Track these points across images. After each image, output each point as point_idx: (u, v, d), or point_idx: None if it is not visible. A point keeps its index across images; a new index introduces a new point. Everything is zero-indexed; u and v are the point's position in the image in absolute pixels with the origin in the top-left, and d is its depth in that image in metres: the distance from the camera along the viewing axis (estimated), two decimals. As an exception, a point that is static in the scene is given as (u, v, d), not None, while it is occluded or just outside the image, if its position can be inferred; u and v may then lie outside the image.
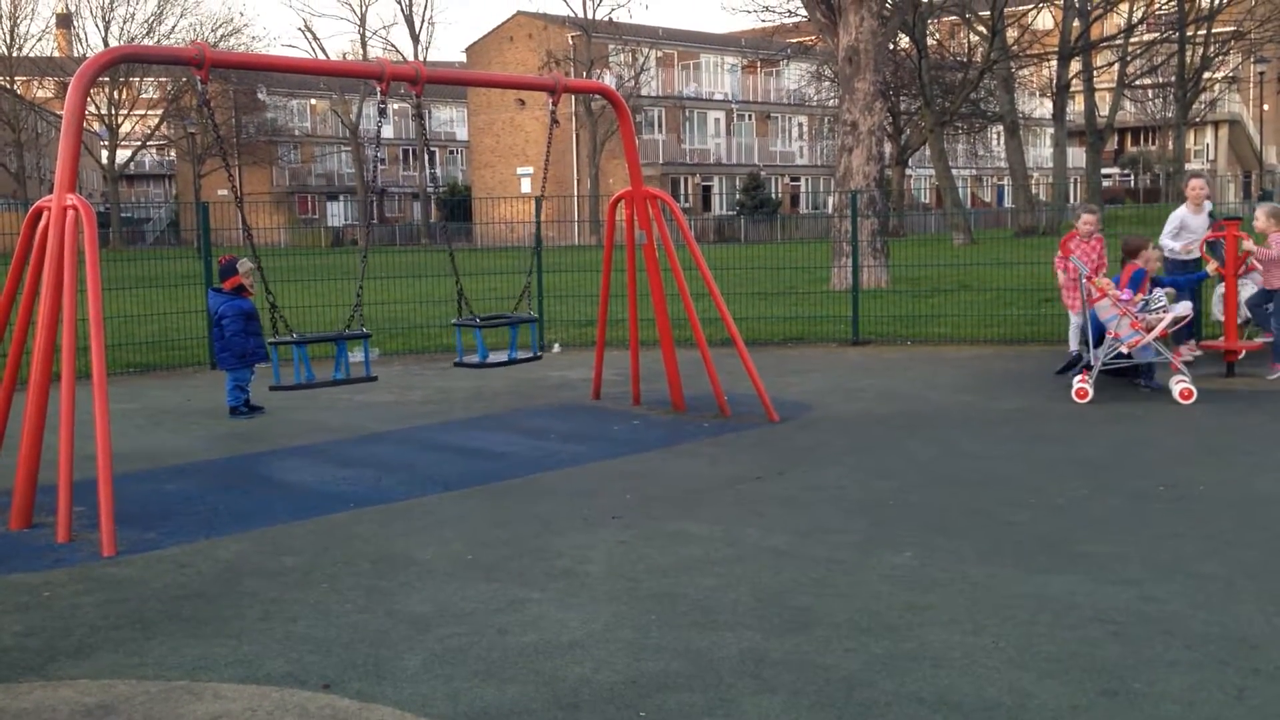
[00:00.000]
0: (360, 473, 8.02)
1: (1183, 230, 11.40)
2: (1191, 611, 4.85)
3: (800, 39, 51.39)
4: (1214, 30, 48.93)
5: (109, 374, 6.96)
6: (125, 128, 64.39)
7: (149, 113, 65.05)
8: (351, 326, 8.80)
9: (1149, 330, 9.73)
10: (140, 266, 18.51)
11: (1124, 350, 9.90)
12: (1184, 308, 9.94)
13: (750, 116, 65.83)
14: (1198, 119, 62.48)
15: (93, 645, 4.82)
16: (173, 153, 73.56)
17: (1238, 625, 4.69)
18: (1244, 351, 10.74)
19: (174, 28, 64.70)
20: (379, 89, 8.29)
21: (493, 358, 9.67)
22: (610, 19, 58.18)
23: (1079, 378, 10.00)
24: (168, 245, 56.68)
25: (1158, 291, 10.25)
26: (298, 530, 6.54)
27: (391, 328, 16.09)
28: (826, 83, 50.96)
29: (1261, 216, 10.81)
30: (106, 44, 60.23)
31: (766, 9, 41.91)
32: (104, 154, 62.45)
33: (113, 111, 61.27)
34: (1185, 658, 4.38)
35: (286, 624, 5.01)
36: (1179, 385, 9.69)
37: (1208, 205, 11.63)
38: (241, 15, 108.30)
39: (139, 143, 66.96)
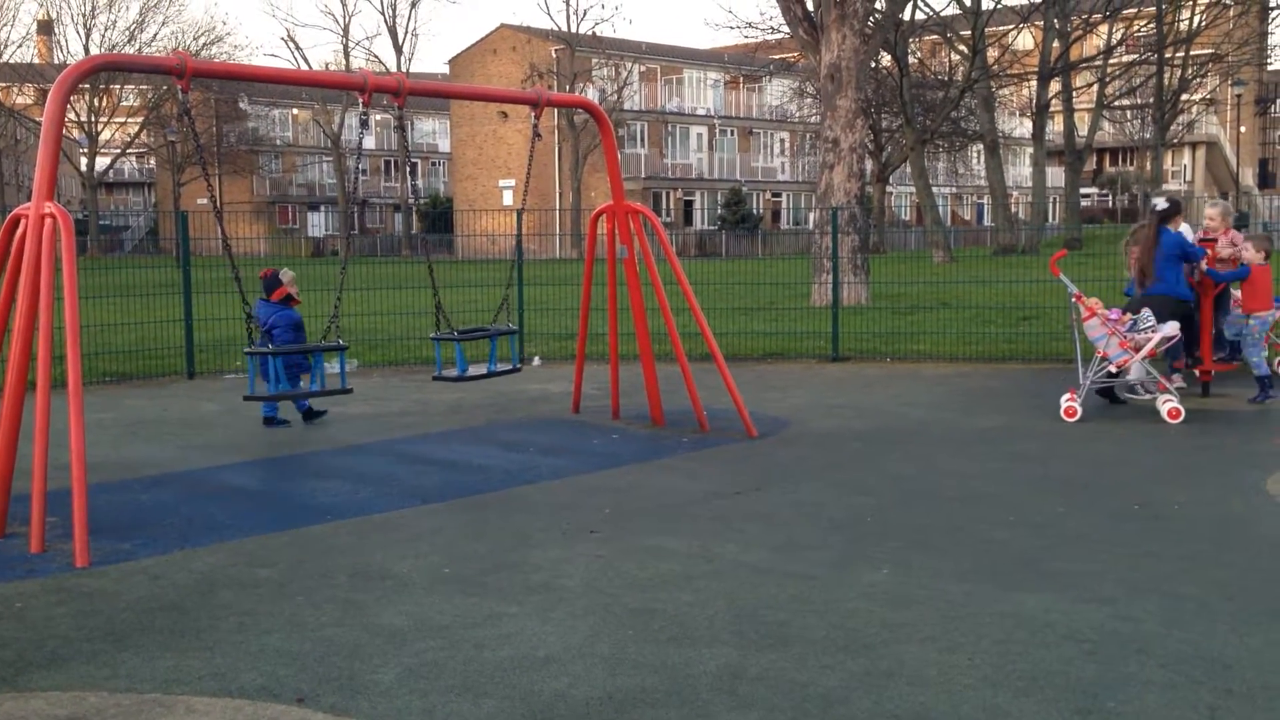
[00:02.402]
0: (337, 485, 7.99)
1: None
2: (1166, 631, 4.87)
3: (783, 55, 51.61)
4: (1192, 52, 49.41)
5: (85, 383, 6.92)
6: (105, 135, 64.14)
7: (129, 120, 64.84)
8: (328, 338, 8.76)
9: (1137, 350, 9.77)
10: (118, 275, 18.38)
11: (1112, 370, 9.96)
12: (1171, 328, 9.94)
13: (732, 132, 66.07)
14: (1175, 140, 63.02)
15: (65, 657, 4.78)
16: (152, 161, 73.35)
17: (1211, 645, 4.71)
18: (1214, 372, 10.82)
19: (155, 35, 64.51)
20: (361, 100, 8.28)
21: (472, 370, 9.64)
22: (594, 33, 58.36)
23: (1067, 396, 10.04)
24: (146, 254, 56.38)
25: (1145, 311, 10.28)
26: (273, 542, 6.50)
27: (371, 339, 16.05)
28: (808, 99, 51.21)
29: (1216, 215, 10.92)
30: (87, 51, 59.95)
31: (749, 25, 42.12)
32: (83, 161, 62.14)
33: (93, 119, 61.02)
34: (1159, 677, 4.39)
35: (261, 637, 4.98)
36: (1166, 405, 9.73)
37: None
38: (224, 24, 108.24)
39: (119, 150, 66.70)
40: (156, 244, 59.72)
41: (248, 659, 4.72)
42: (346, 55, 67.50)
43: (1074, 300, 10.19)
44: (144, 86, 62.38)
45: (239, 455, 9.08)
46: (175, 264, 15.03)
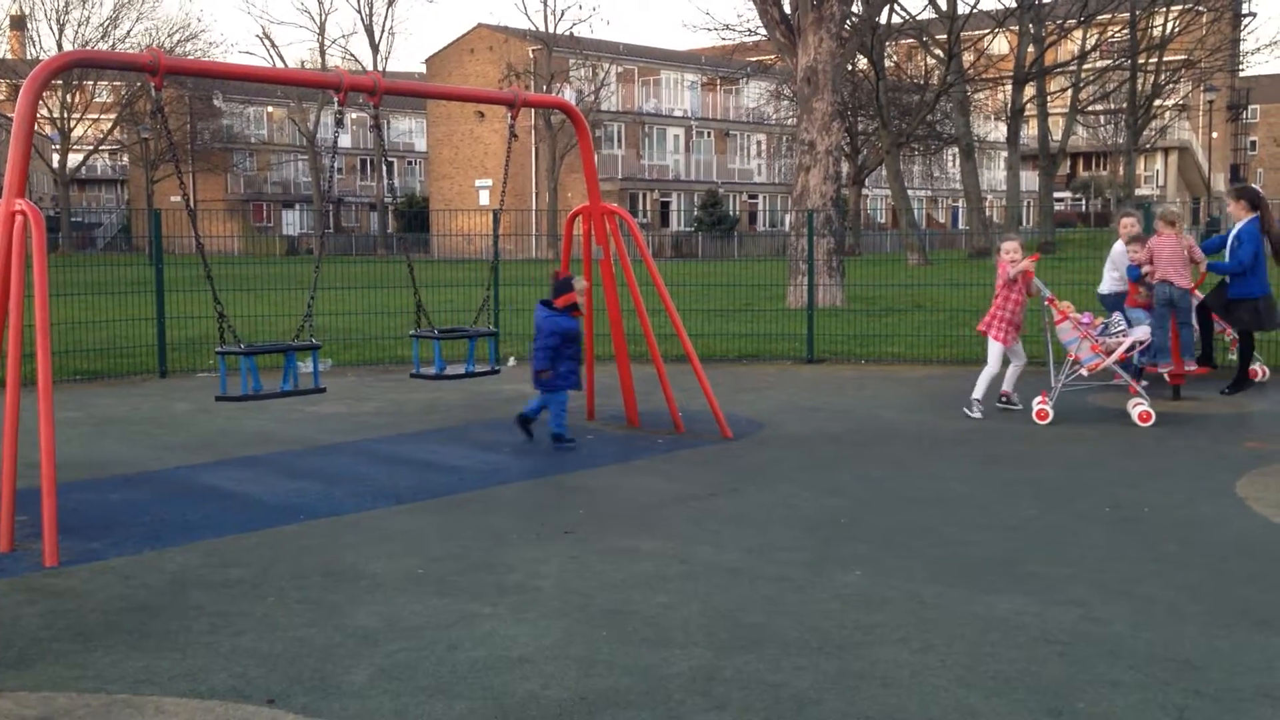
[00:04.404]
0: (310, 485, 7.95)
1: (1121, 266, 11.57)
2: (1135, 632, 4.91)
3: (760, 58, 51.76)
4: (1165, 59, 49.88)
5: (55, 381, 6.86)
6: (77, 132, 63.64)
7: (102, 117, 64.35)
8: (301, 337, 8.69)
9: (1109, 353, 9.82)
10: (90, 272, 18.27)
11: (1084, 374, 10.00)
12: (1143, 331, 10.02)
13: (709, 133, 66.17)
14: (1148, 145, 63.61)
15: (33, 657, 4.74)
16: (125, 158, 72.81)
17: (1180, 646, 4.75)
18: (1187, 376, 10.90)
19: (129, 32, 63.86)
20: (337, 99, 8.25)
21: (450, 370, 9.61)
22: (571, 34, 58.32)
23: (1039, 399, 10.09)
24: (119, 251, 55.98)
25: (1117, 315, 10.34)
26: (245, 542, 6.47)
27: (346, 339, 15.99)
28: (785, 102, 51.42)
29: (1159, 224, 11.03)
30: (60, 47, 59.48)
31: (726, 27, 42.20)
32: (55, 158, 61.62)
33: (65, 115, 60.52)
34: (1128, 678, 4.43)
35: (232, 637, 4.95)
36: (1137, 408, 9.81)
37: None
38: (199, 21, 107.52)
39: (91, 147, 66.18)
40: (129, 241, 59.30)
41: (218, 660, 4.69)
42: (322, 53, 67.28)
43: (1046, 304, 10.26)
44: (117, 83, 61.98)
45: (211, 455, 9.02)
46: (148, 262, 14.93)
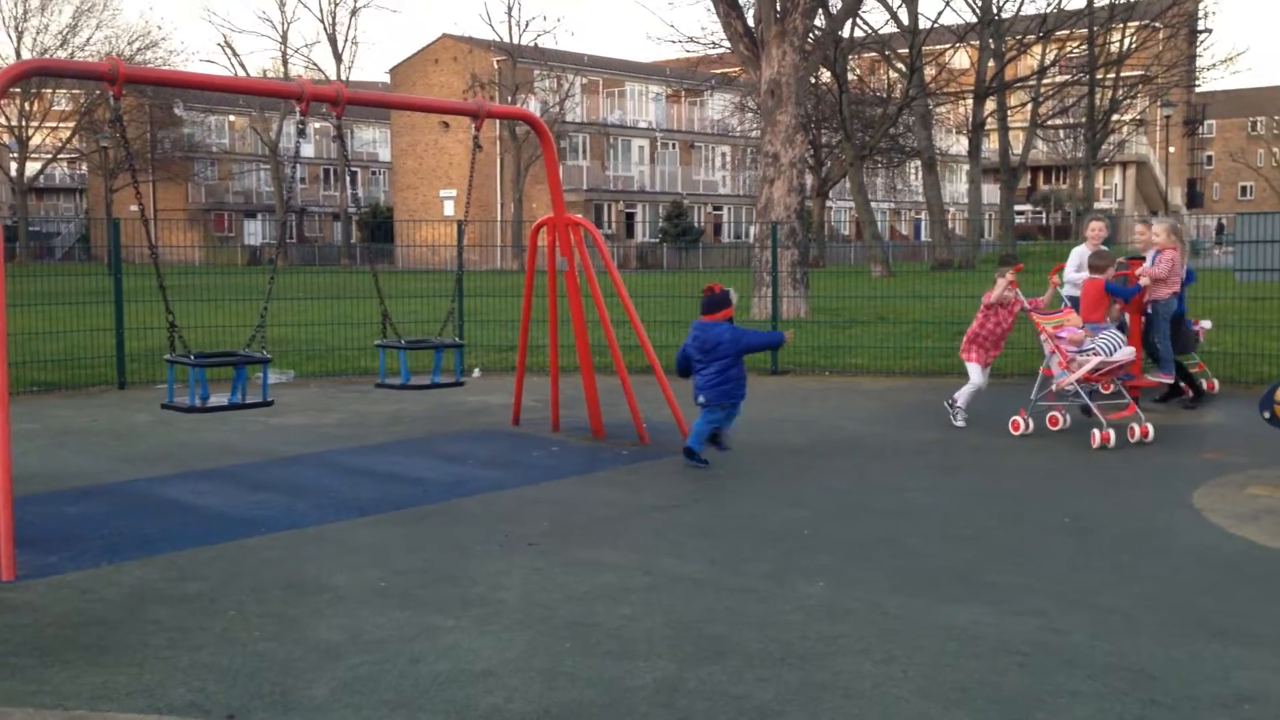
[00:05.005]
0: (271, 497, 7.89)
1: (1083, 267, 11.67)
2: (1093, 642, 4.96)
3: (724, 70, 52.00)
4: (1123, 74, 50.51)
5: (11, 392, 6.78)
6: (36, 140, 62.96)
7: (61, 125, 63.72)
8: (252, 348, 8.52)
9: (1077, 369, 9.61)
10: (48, 282, 18.06)
11: (1053, 388, 9.90)
12: (1128, 353, 9.83)
13: (674, 145, 66.35)
14: (1106, 159, 64.37)
15: (-13, 673, 4.67)
16: (84, 167, 72.06)
17: (1137, 656, 4.80)
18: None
19: (89, 40, 63.26)
20: (299, 109, 8.20)
21: (415, 381, 9.57)
22: (536, 44, 58.35)
23: (1018, 412, 10.03)
24: (77, 261, 55.37)
25: (1104, 334, 10.00)
26: (205, 556, 6.41)
27: (309, 350, 15.89)
28: (749, 114, 51.62)
29: (1162, 232, 11.11)
30: (19, 55, 58.84)
31: (691, 40, 42.39)
32: (13, 166, 60.91)
33: (23, 123, 59.85)
34: (1087, 688, 4.47)
35: (191, 652, 4.90)
36: (1097, 431, 9.52)
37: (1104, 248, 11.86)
38: (159, 29, 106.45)
39: (50, 155, 65.46)
40: (88, 251, 58.70)
41: (177, 675, 4.65)
42: (285, 62, 66.90)
43: (1026, 314, 10.23)
44: (76, 91, 61.40)
45: (170, 467, 8.93)
46: (107, 271, 14.77)
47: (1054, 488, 8.12)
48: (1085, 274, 11.31)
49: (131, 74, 7.39)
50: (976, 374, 10.53)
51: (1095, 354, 9.72)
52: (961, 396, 10.59)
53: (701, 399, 8.83)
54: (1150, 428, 9.66)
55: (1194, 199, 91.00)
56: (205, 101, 68.93)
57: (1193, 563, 6.21)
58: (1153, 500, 7.68)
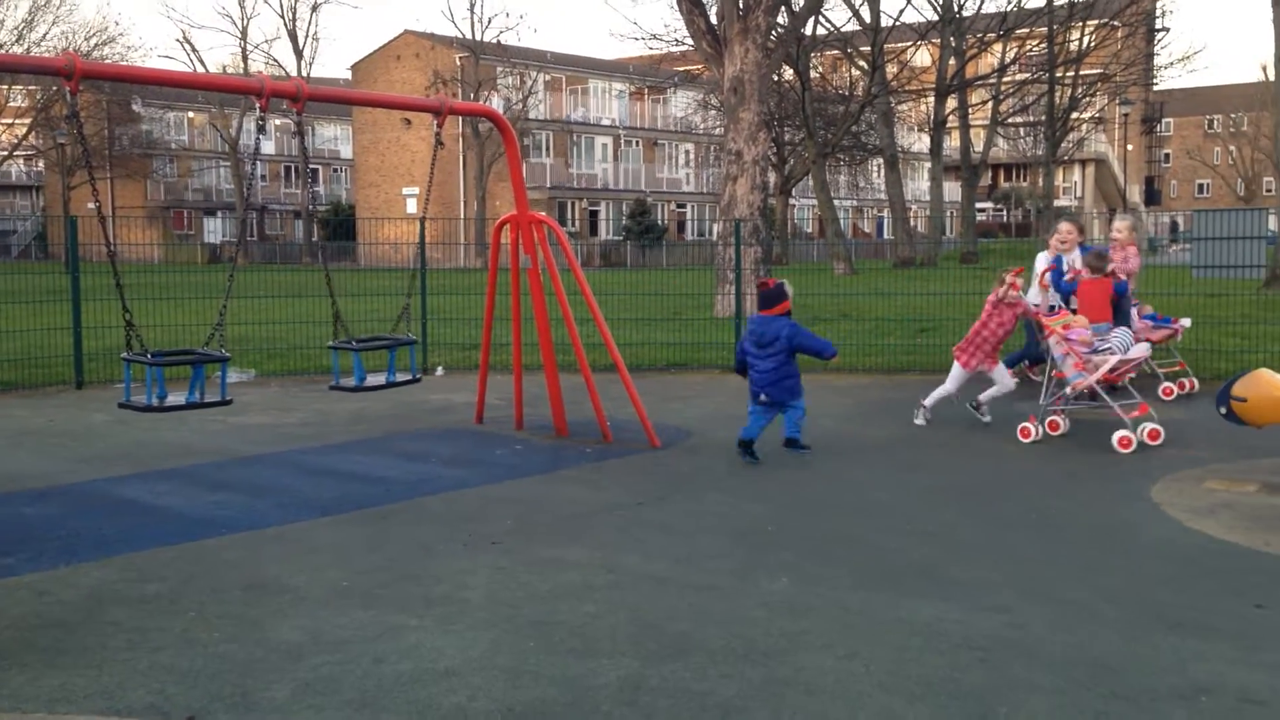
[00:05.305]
0: (232, 497, 7.82)
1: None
2: (1054, 636, 5.01)
3: (687, 68, 52.00)
4: (1082, 72, 50.99)
5: (-34, 393, 6.68)
6: (-9, 136, 62.00)
7: (17, 122, 62.72)
8: (210, 346, 8.44)
9: (1095, 370, 9.38)
10: (3, 280, 17.83)
11: (1068, 392, 9.61)
12: (1143, 349, 9.70)
13: (637, 142, 66.33)
14: (1066, 157, 64.96)
15: (-59, 678, 4.60)
16: (41, 163, 71.07)
17: (1098, 649, 4.85)
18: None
19: (45, 35, 62.32)
20: (259, 105, 8.13)
21: (370, 381, 9.51)
22: (499, 41, 58.14)
23: (1028, 419, 9.74)
24: (33, 259, 54.66)
25: (1119, 330, 9.92)
26: (164, 556, 6.34)
27: (270, 348, 15.76)
28: (713, 111, 51.71)
29: (1124, 229, 11.16)
30: (-27, 49, 57.92)
31: (654, 37, 42.45)
32: (-32, 163, 60.01)
33: (-23, 119, 58.95)
34: (1048, 682, 4.51)
35: (150, 654, 4.85)
36: (1120, 434, 9.25)
37: (1076, 251, 11.46)
38: (117, 25, 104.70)
39: (5, 152, 64.48)
40: (45, 249, 57.95)
41: (136, 677, 4.60)
42: (245, 58, 66.30)
43: (1032, 318, 10.12)
44: (33, 87, 60.47)
45: (128, 467, 8.84)
46: (64, 269, 14.58)
47: (1016, 483, 8.18)
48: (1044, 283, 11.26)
49: (89, 70, 7.30)
50: (957, 379, 10.35)
51: (1112, 353, 9.55)
52: (931, 397, 10.51)
53: (763, 396, 8.97)
54: (1161, 430, 9.37)
55: (1152, 196, 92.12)
56: (164, 98, 68.19)
57: (1152, 556, 6.28)
58: (1113, 495, 7.75)
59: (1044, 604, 5.44)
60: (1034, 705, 4.29)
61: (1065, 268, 11.04)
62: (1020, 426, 9.74)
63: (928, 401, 10.53)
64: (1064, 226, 11.67)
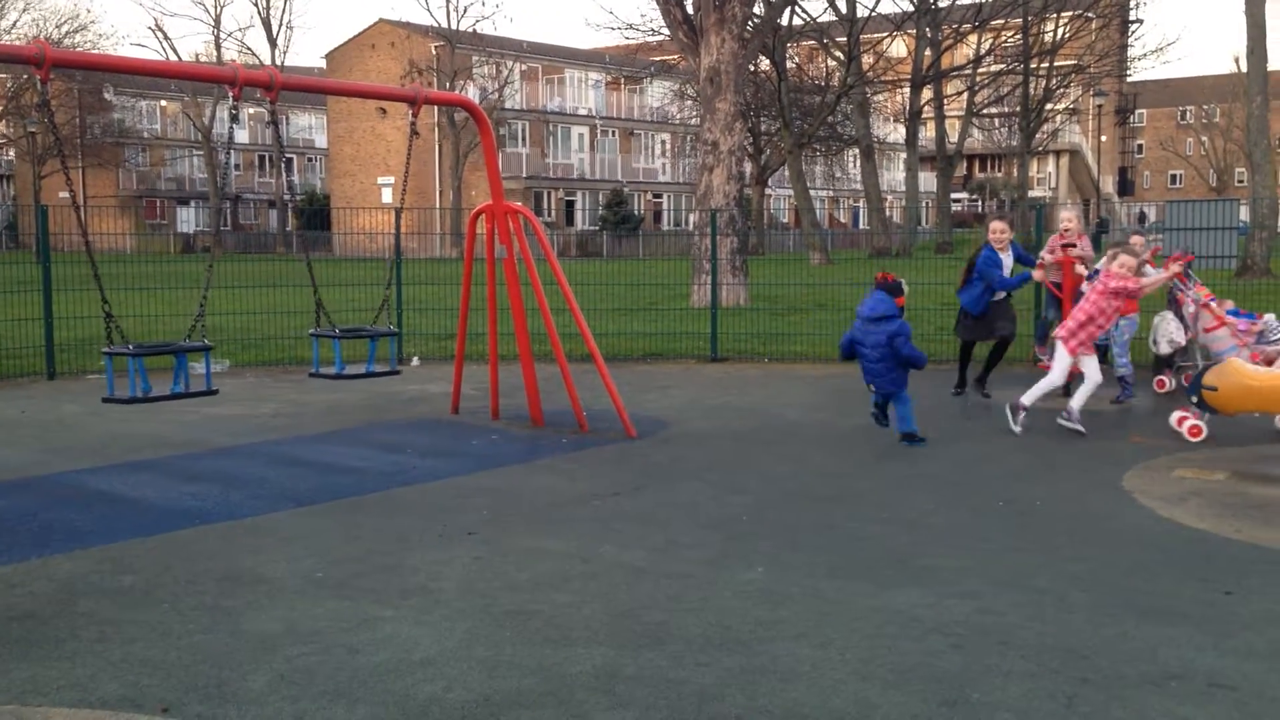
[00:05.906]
0: (206, 488, 7.78)
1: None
2: (1027, 623, 5.05)
3: (664, 58, 51.99)
4: (1056, 64, 51.21)
5: (-64, 384, 6.62)
6: (-40, 125, 61.31)
7: (-14, 110, 62.07)
8: (193, 337, 8.44)
9: (1269, 363, 8.97)
10: (-27, 270, 17.63)
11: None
12: None
13: (614, 132, 66.23)
14: (1040, 148, 65.24)
15: (-88, 671, 4.56)
16: (11, 152, 70.34)
17: (1069, 636, 4.89)
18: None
19: (15, 23, 61.81)
20: (232, 94, 8.08)
21: (349, 370, 9.49)
22: (474, 30, 57.92)
23: (1180, 413, 9.28)
24: (4, 249, 54.10)
25: (1269, 317, 9.73)
26: (138, 548, 6.31)
27: (244, 339, 15.68)
28: (689, 101, 51.67)
29: (1073, 218, 11.22)
30: (-59, 36, 57.25)
31: (630, 27, 42.32)
32: (-63, 152, 59.35)
33: (-53, 108, 58.28)
34: (1020, 668, 4.55)
35: (124, 645, 4.83)
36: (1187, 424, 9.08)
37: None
38: (89, 12, 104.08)
39: (-25, 141, 63.87)
40: (15, 239, 57.39)
41: (110, 668, 4.57)
42: (218, 47, 65.78)
43: (1200, 308, 9.94)
44: (2, 76, 59.82)
45: (101, 459, 8.78)
46: (35, 259, 14.46)
47: (990, 472, 8.24)
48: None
49: (60, 58, 7.24)
50: (1063, 368, 9.48)
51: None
52: (1031, 395, 9.50)
53: (873, 386, 9.23)
54: (1203, 426, 9.07)
55: (1125, 187, 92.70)
56: (136, 86, 67.56)
57: (1123, 544, 6.34)
58: (1085, 484, 7.82)
59: (1017, 591, 5.49)
60: (1007, 691, 4.33)
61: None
62: (1188, 426, 9.14)
63: (1026, 400, 9.51)
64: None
